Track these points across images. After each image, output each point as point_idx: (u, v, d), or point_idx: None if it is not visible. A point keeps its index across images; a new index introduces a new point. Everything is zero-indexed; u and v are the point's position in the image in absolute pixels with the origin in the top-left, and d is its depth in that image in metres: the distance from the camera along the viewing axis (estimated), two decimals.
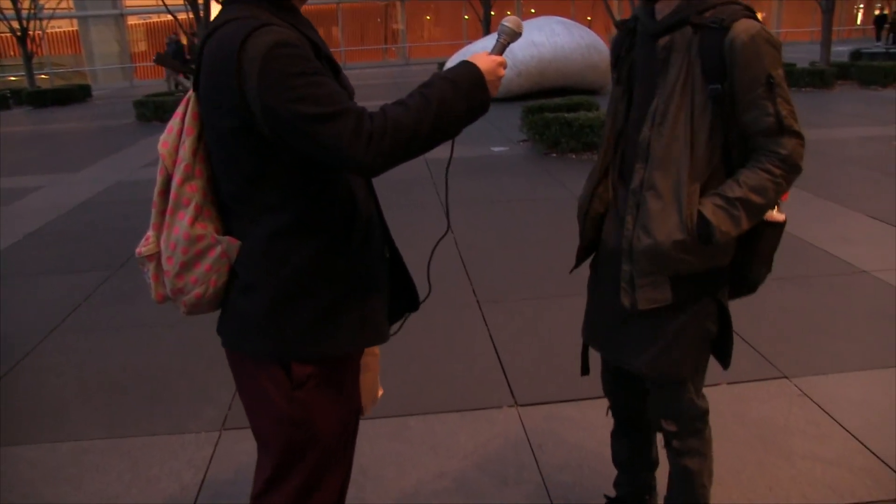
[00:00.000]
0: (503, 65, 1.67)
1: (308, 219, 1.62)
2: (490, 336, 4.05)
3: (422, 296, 1.95)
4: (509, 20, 1.77)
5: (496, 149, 9.92)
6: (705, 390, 2.13)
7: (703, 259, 1.90)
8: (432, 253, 2.13)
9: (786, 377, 3.45)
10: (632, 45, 2.02)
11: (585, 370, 2.34)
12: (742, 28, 1.76)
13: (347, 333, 1.69)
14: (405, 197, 7.33)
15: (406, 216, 6.52)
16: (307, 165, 1.57)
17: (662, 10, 1.90)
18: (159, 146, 1.66)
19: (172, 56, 20.94)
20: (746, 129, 1.83)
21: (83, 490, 2.86)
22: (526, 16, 32.31)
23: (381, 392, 2.03)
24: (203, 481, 2.87)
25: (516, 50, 14.85)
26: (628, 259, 1.95)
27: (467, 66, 1.62)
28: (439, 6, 35.87)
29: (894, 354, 3.64)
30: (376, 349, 1.98)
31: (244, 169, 1.57)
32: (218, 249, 1.63)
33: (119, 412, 3.44)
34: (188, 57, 20.95)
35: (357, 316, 1.70)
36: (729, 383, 3.36)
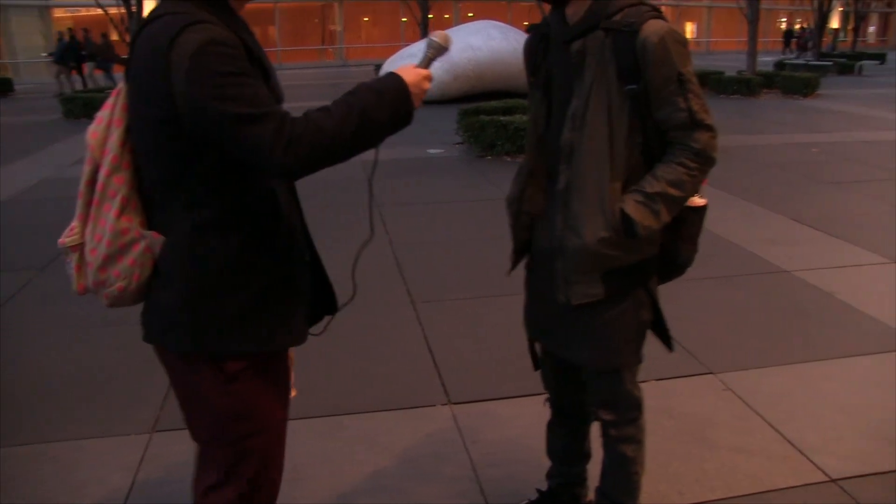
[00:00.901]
0: (428, 78, 1.71)
1: (231, 215, 1.62)
2: (424, 335, 4.07)
3: (346, 298, 1.97)
4: (437, 35, 1.82)
5: (432, 151, 9.97)
6: None
7: (630, 253, 1.97)
8: (357, 257, 2.14)
9: (711, 373, 3.57)
10: (546, 50, 2.07)
11: (536, 365, 2.39)
12: (652, 29, 1.82)
13: (267, 332, 1.69)
14: (343, 196, 7.30)
15: (343, 217, 6.50)
16: (231, 163, 1.57)
17: (573, 16, 1.95)
18: (88, 136, 1.64)
19: (61, 55, 20.42)
20: (661, 125, 1.90)
21: (5, 498, 2.77)
22: (463, 19, 32.57)
23: (294, 393, 2.03)
24: (133, 484, 2.81)
25: (454, 53, 14.93)
26: (560, 258, 2.01)
27: (393, 78, 1.66)
28: (377, 8, 35.84)
29: (811, 349, 3.80)
30: (291, 352, 2.00)
31: (170, 163, 1.57)
32: (142, 244, 1.63)
33: (46, 416, 3.34)
34: (83, 53, 20.45)
35: (276, 315, 1.71)
36: (657, 379, 3.46)
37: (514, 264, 2.28)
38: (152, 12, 1.61)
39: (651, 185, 1.89)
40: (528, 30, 2.17)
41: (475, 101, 12.07)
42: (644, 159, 1.95)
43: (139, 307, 1.75)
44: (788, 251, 5.46)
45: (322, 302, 1.94)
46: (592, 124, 1.90)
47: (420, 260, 5.40)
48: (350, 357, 3.82)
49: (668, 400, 3.30)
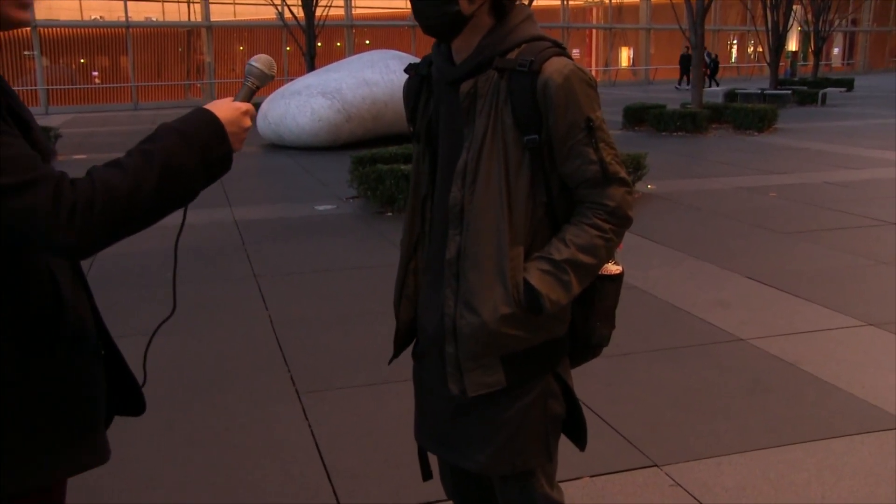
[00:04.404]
0: (249, 113, 1.69)
1: None
2: (311, 432, 4.01)
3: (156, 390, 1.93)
4: (259, 59, 1.81)
5: (321, 207, 9.98)
6: (563, 485, 2.21)
7: (535, 332, 1.99)
8: (151, 338, 2.00)
9: (656, 465, 3.62)
10: (429, 94, 2.10)
11: (427, 475, 2.38)
12: (554, 69, 1.86)
13: (57, 457, 1.62)
14: (211, 269, 7.19)
15: (213, 291, 6.40)
16: None
17: (460, 52, 1.97)
18: None
19: None
20: (569, 180, 1.94)
21: None
22: (359, 49, 33.07)
23: None
24: None
25: (345, 90, 15.15)
26: (452, 340, 2.00)
27: (202, 114, 1.60)
28: (254, 35, 36.04)
29: (775, 433, 3.91)
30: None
31: None
32: None
33: None
34: None
35: (67, 434, 1.64)
36: (591, 476, 3.49)
37: (398, 350, 2.28)
38: None
39: (559, 251, 1.92)
40: (407, 70, 2.18)
41: (372, 147, 12.20)
42: (549, 220, 1.98)
43: None
44: (743, 316, 5.66)
45: (124, 402, 1.88)
46: (486, 181, 1.92)
47: (304, 340, 5.35)
48: (219, 462, 3.73)
49: (606, 500, 3.33)
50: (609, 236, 1.94)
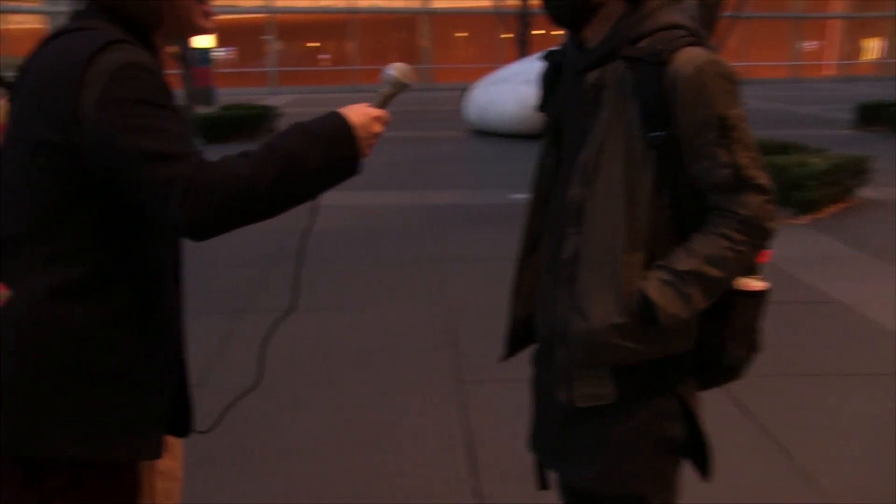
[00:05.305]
0: (382, 119, 1.71)
1: (101, 279, 1.59)
2: (465, 423, 3.94)
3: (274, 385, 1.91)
4: (395, 67, 1.82)
5: (515, 196, 9.87)
6: None
7: (651, 345, 1.83)
8: (268, 335, 2.02)
9: None
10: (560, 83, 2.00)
11: (543, 484, 2.26)
12: (685, 59, 1.71)
13: (119, 435, 1.62)
14: (394, 250, 7.28)
15: (393, 272, 6.47)
16: (120, 213, 1.57)
17: (592, 41, 1.86)
18: None
19: None
20: (697, 183, 1.77)
21: None
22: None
23: None
24: None
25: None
26: (563, 345, 1.90)
27: (333, 117, 1.66)
28: (473, 21, 36.54)
29: None
30: (178, 452, 1.93)
31: (42, 199, 1.55)
32: None
33: None
34: None
35: (128, 413, 1.64)
36: None
37: (511, 351, 2.20)
38: (64, 26, 1.64)
39: (682, 261, 1.76)
40: (543, 57, 2.08)
41: None
42: (675, 226, 1.82)
43: None
44: None
45: (174, 418, 1.87)
46: (607, 179, 1.80)
47: (477, 329, 5.29)
48: (360, 447, 3.74)
49: None
50: (741, 248, 1.74)
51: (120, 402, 1.62)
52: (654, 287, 1.76)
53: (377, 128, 1.70)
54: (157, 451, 1.72)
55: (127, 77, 1.49)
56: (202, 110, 16.66)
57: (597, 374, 1.86)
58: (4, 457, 1.57)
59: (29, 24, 32.37)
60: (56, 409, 1.56)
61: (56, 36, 1.61)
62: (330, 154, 1.60)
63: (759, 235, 1.75)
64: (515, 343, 2.19)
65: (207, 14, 1.76)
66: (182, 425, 1.91)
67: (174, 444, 1.95)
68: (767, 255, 1.83)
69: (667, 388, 1.90)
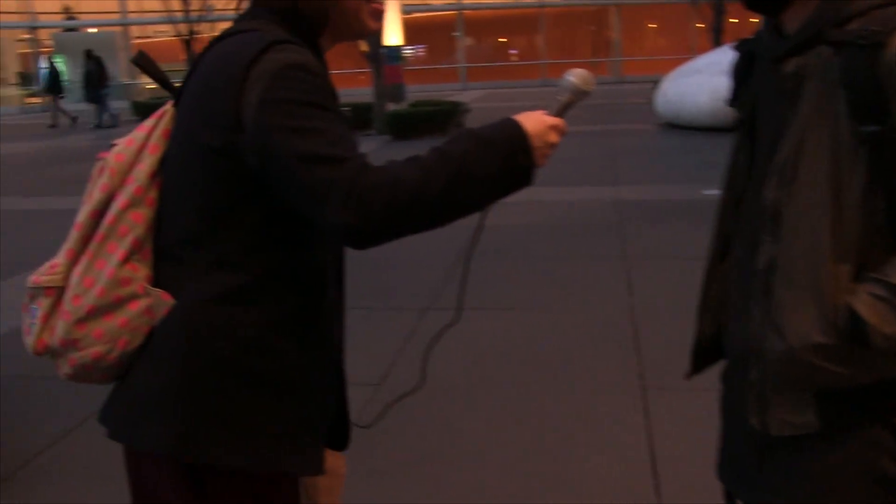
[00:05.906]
0: (558, 128, 1.62)
1: (265, 284, 1.59)
2: (649, 430, 3.84)
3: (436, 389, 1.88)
4: (575, 74, 1.72)
5: (708, 191, 9.53)
6: None
7: (860, 369, 1.62)
8: (431, 344, 1.97)
9: None
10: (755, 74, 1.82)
11: None
12: None
13: (281, 447, 1.61)
14: (581, 246, 7.19)
15: (578, 269, 6.39)
16: (284, 217, 1.56)
17: (791, 24, 1.67)
18: (111, 157, 1.63)
19: (49, 85, 23.54)
20: None
21: None
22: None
23: None
24: None
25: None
26: (756, 365, 1.71)
27: (508, 124, 1.57)
28: (665, 11, 35.65)
29: None
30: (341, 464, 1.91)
31: (206, 204, 1.56)
32: (142, 303, 1.56)
33: None
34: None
35: (296, 425, 1.63)
36: None
37: (696, 368, 2.03)
38: (229, 28, 1.65)
39: None
40: (735, 47, 1.91)
41: None
42: (890, 233, 1.60)
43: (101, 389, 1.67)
44: None
45: (331, 432, 1.84)
46: (809, 180, 1.60)
47: (663, 331, 5.13)
48: (539, 450, 3.71)
49: None
50: None
51: (282, 411, 1.60)
52: (865, 303, 1.55)
53: (553, 137, 1.61)
54: (318, 467, 1.70)
55: (289, 78, 1.48)
56: (392, 107, 17.09)
57: (796, 399, 1.68)
58: (168, 459, 1.59)
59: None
60: (220, 417, 1.56)
61: (221, 38, 1.62)
62: (504, 163, 1.53)
63: None
64: (702, 359, 2.03)
65: (376, 13, 1.72)
66: (340, 438, 1.89)
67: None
68: None
69: (879, 416, 1.67)
